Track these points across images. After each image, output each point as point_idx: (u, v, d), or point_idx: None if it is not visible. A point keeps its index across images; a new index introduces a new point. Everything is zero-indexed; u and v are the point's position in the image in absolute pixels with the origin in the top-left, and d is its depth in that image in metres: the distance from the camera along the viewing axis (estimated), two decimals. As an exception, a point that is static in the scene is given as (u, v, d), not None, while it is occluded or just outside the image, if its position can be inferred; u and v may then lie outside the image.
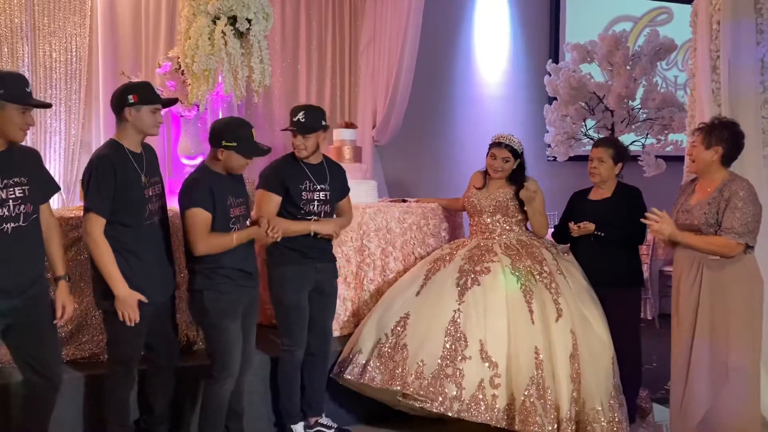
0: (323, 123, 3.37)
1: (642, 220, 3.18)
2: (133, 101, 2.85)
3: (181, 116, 4.55)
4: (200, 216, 2.90)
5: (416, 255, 4.09)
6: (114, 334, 2.96)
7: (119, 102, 2.88)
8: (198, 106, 4.15)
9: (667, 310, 5.29)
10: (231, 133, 2.96)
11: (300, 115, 3.30)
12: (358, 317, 4.01)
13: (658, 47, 6.33)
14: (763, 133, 3.45)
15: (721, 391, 3.12)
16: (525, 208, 3.69)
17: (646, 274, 5.59)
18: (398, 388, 3.27)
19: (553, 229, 3.93)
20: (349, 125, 4.84)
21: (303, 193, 3.34)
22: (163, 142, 4.97)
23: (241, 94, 4.07)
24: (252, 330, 3.18)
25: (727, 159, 3.18)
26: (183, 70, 4.15)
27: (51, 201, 2.95)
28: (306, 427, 3.48)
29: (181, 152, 4.56)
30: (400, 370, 3.28)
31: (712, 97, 3.45)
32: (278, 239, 3.07)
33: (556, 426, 3.14)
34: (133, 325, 2.84)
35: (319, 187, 3.38)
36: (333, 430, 3.52)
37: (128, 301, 2.82)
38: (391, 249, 4.04)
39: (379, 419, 3.67)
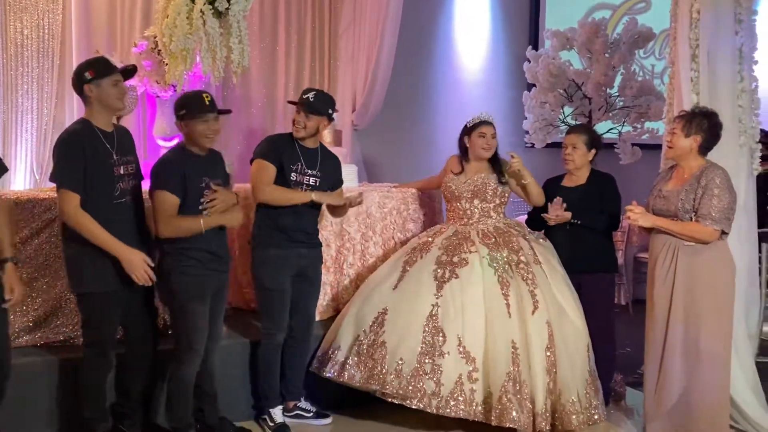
0: (330, 111, 3.37)
1: (625, 211, 3.22)
2: (90, 77, 2.81)
3: (158, 97, 4.48)
4: (167, 200, 2.85)
5: (396, 240, 4.09)
6: (88, 317, 2.92)
7: (78, 81, 2.85)
8: (175, 87, 4.08)
9: (641, 296, 5.38)
10: (181, 103, 2.93)
11: (311, 95, 3.31)
12: (337, 302, 4.01)
13: (636, 35, 6.38)
14: (740, 122, 3.49)
15: (694, 375, 3.18)
16: (524, 181, 3.67)
17: (620, 261, 5.66)
18: (377, 387, 3.25)
19: (526, 216, 3.95)
20: (329, 108, 4.79)
21: (293, 174, 3.31)
22: (138, 123, 4.89)
23: (219, 75, 4.01)
24: (220, 313, 3.15)
25: (705, 148, 3.23)
26: (160, 50, 4.07)
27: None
28: (285, 411, 3.47)
29: (157, 134, 4.49)
30: (379, 368, 3.25)
31: (691, 85, 3.48)
32: (211, 213, 2.97)
33: (530, 419, 3.16)
34: (151, 284, 2.83)
35: (309, 172, 3.35)
36: (312, 413, 3.53)
37: (135, 261, 2.78)
38: (371, 234, 4.03)
39: (359, 403, 3.67)
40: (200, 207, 2.94)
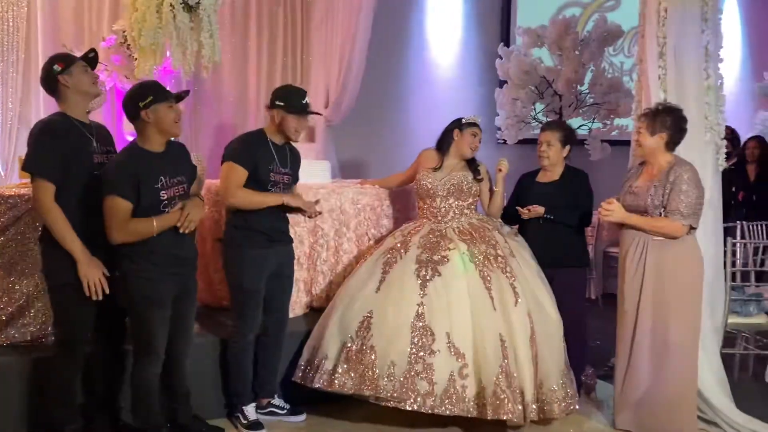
0: None
1: (597, 212, 3.30)
2: (61, 69, 2.81)
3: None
4: (118, 205, 2.74)
5: (370, 236, 4.09)
6: (59, 312, 2.87)
7: (49, 77, 2.83)
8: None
9: (611, 290, 5.47)
10: (142, 93, 2.81)
11: (307, 98, 3.28)
12: (311, 299, 4.00)
13: (605, 33, 6.46)
14: (706, 118, 3.55)
15: (662, 367, 3.25)
16: (495, 188, 3.75)
17: (591, 255, 5.74)
18: (371, 393, 3.20)
19: (501, 211, 3.99)
20: (302, 104, 4.76)
21: (271, 174, 3.26)
22: (107, 119, 4.81)
23: (190, 70, 3.97)
24: (190, 315, 3.09)
25: (672, 144, 3.29)
26: (129, 44, 4.01)
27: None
28: (258, 408, 3.46)
29: (128, 129, 4.42)
30: (370, 373, 3.21)
31: (659, 82, 3.53)
32: (189, 230, 2.91)
33: (521, 410, 3.18)
34: (100, 297, 2.77)
35: (282, 170, 3.32)
36: (286, 411, 3.52)
37: (92, 267, 2.75)
38: (345, 230, 4.02)
39: (333, 399, 3.67)
40: (163, 208, 2.84)
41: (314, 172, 4.37)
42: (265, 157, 3.24)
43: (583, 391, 3.84)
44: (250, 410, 3.39)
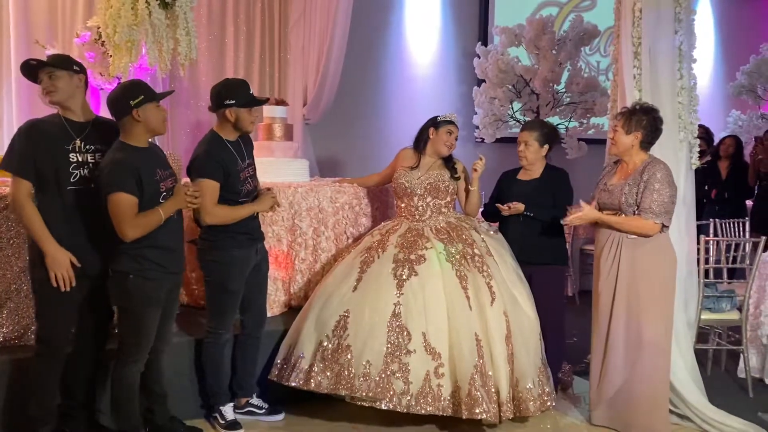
0: None
1: (564, 220, 3.38)
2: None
3: (101, 89, 4.35)
4: (125, 201, 2.74)
5: (348, 234, 4.09)
6: (41, 308, 2.86)
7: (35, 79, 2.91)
8: (120, 79, 3.97)
9: (588, 287, 5.53)
10: (132, 91, 2.83)
11: (251, 90, 3.27)
12: (289, 297, 3.99)
13: (582, 33, 6.53)
14: (680, 118, 3.60)
15: (636, 363, 3.29)
16: (471, 187, 3.74)
17: (568, 253, 5.80)
18: (346, 392, 3.20)
19: (482, 208, 4.01)
20: (280, 102, 4.76)
21: (240, 174, 3.24)
22: (81, 116, 4.73)
23: (166, 68, 3.93)
24: (172, 314, 3.09)
25: (646, 143, 3.34)
26: (104, 41, 3.95)
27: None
28: (236, 408, 3.44)
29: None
30: (346, 373, 3.21)
31: (634, 82, 3.58)
32: (198, 204, 2.98)
33: (497, 408, 3.20)
34: (68, 289, 2.77)
35: (247, 165, 3.31)
36: (264, 410, 3.50)
37: (58, 259, 2.75)
38: (323, 229, 4.01)
39: (311, 398, 3.66)
40: (162, 200, 2.86)
41: (292, 171, 4.35)
42: (231, 161, 3.21)
43: (560, 388, 3.88)
44: (228, 410, 3.37)
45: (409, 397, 3.17)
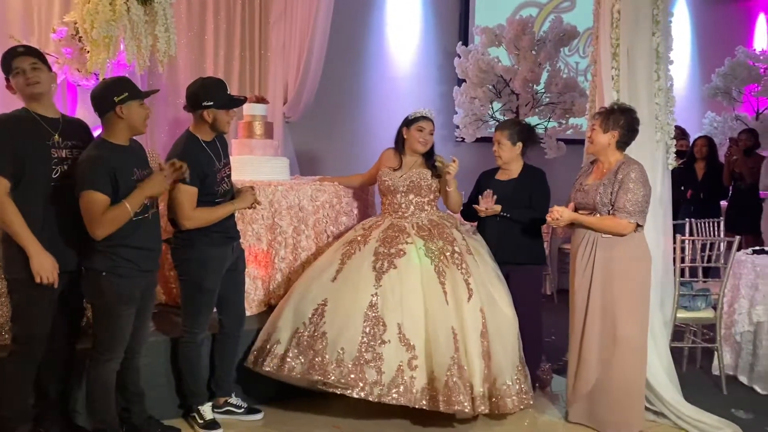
0: None
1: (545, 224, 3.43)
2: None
3: (78, 86, 4.30)
4: (96, 200, 2.71)
5: (329, 233, 4.08)
6: (17, 308, 2.82)
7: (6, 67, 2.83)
8: (97, 75, 3.92)
9: (565, 285, 5.57)
10: (117, 88, 2.80)
11: (228, 89, 3.24)
12: (269, 296, 3.97)
13: (561, 33, 6.58)
14: (657, 118, 3.65)
15: (611, 361, 3.33)
16: (448, 188, 3.74)
17: (546, 252, 5.84)
18: (319, 377, 3.23)
19: (461, 209, 4.03)
20: (260, 100, 4.72)
21: (218, 175, 3.22)
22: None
23: (145, 64, 3.88)
24: (148, 312, 3.07)
25: (623, 143, 3.38)
26: (81, 36, 3.90)
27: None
28: (215, 407, 3.42)
29: (79, 123, 4.30)
30: (319, 359, 3.24)
31: (612, 83, 3.61)
32: (188, 177, 2.95)
33: (470, 403, 3.22)
34: (55, 287, 2.74)
35: (223, 165, 3.28)
36: (243, 410, 3.49)
37: (45, 263, 2.71)
38: (303, 227, 4.00)
39: (290, 397, 3.66)
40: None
41: (272, 169, 4.34)
42: (208, 163, 3.18)
43: (538, 386, 3.91)
44: (207, 410, 3.35)
45: (381, 387, 3.19)
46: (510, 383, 3.34)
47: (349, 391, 3.20)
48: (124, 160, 2.81)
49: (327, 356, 3.24)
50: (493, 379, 3.33)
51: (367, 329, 3.27)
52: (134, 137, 2.96)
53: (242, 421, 3.46)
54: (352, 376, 3.20)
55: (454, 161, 3.70)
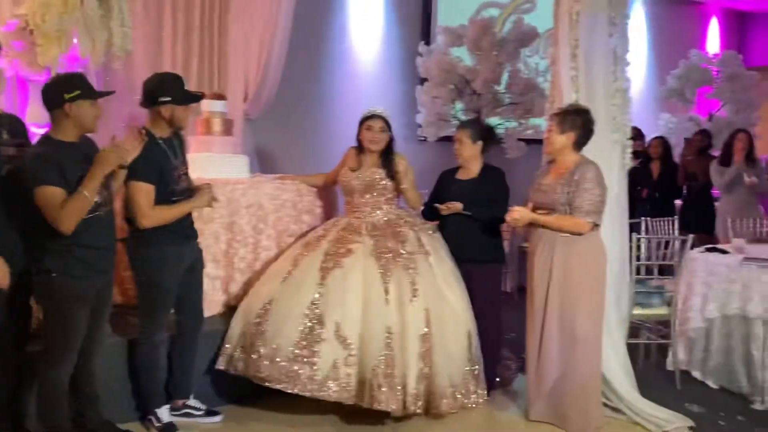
0: None
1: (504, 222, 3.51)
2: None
3: (30, 81, 4.17)
4: (52, 194, 2.64)
5: (290, 233, 4.03)
6: None
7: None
8: (49, 70, 3.81)
9: (526, 283, 5.64)
10: (68, 84, 2.72)
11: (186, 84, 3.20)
12: (228, 296, 3.91)
13: (522, 34, 6.65)
14: (614, 119, 3.71)
15: (570, 358, 3.38)
16: (401, 187, 3.76)
17: (506, 250, 5.90)
18: (254, 373, 3.30)
19: (423, 207, 4.04)
20: (219, 96, 4.65)
21: (174, 173, 3.15)
22: (8, 109, 4.52)
23: (100, 59, 3.80)
24: (104, 314, 3.00)
25: (579, 144, 3.43)
26: (32, 30, 3.78)
27: None
28: (172, 410, 3.36)
29: (31, 120, 4.16)
30: (255, 356, 3.30)
31: (571, 84, 3.66)
32: (125, 163, 2.87)
33: (401, 401, 3.25)
34: (3, 289, 2.65)
35: (180, 161, 3.22)
36: (202, 412, 3.43)
37: None
38: (263, 226, 3.94)
39: (250, 398, 3.63)
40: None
41: (232, 167, 4.27)
42: (164, 160, 3.12)
43: (499, 385, 3.94)
44: (164, 412, 3.29)
45: (315, 383, 3.25)
46: (447, 384, 3.37)
47: (284, 386, 3.25)
48: (71, 157, 2.73)
49: (262, 351, 3.30)
50: (432, 378, 3.35)
51: (306, 326, 3.31)
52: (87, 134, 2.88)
53: (201, 424, 3.41)
54: (290, 372, 3.25)
55: (402, 159, 3.77)
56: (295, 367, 3.25)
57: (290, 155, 6.45)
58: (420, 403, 3.29)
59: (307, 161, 6.09)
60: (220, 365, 3.44)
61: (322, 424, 3.47)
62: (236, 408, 3.58)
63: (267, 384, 3.31)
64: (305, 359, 3.26)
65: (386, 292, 3.40)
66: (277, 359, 3.27)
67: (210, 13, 5.65)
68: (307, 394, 3.25)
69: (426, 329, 3.37)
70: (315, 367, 3.25)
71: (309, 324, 3.32)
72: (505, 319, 4.00)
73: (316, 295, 3.38)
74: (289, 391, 3.25)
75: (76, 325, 2.79)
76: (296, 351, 3.27)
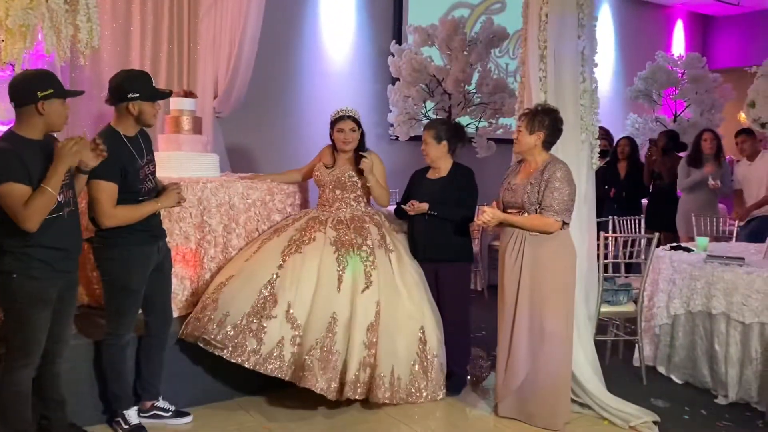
0: None
1: (473, 224, 3.64)
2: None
3: (-7, 76, 4.06)
4: (16, 191, 2.58)
5: (261, 232, 4.01)
6: None
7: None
8: (13, 66, 3.72)
9: (496, 281, 5.70)
10: (42, 82, 2.67)
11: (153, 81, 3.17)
12: (197, 296, 3.86)
13: (492, 35, 6.70)
14: (582, 119, 3.77)
15: (539, 355, 3.42)
16: (367, 183, 3.84)
17: (476, 249, 5.95)
18: (198, 334, 3.42)
19: (395, 206, 4.06)
20: (188, 94, 4.60)
21: (140, 172, 3.10)
22: (-31, 104, 4.41)
23: (65, 55, 3.71)
24: (69, 315, 2.94)
25: (548, 143, 3.47)
26: (-5, 24, 3.69)
27: None
28: (141, 411, 3.31)
29: (-7, 117, 4.08)
30: (206, 319, 3.44)
31: (540, 84, 3.70)
32: (105, 155, 2.83)
33: (338, 386, 3.36)
34: None
35: (146, 162, 3.16)
36: (171, 413, 3.39)
37: None
38: (234, 225, 3.92)
39: (220, 399, 3.60)
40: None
41: (201, 166, 4.24)
42: (129, 159, 3.06)
43: (470, 382, 3.97)
44: (132, 414, 3.24)
45: (257, 357, 3.35)
46: (387, 375, 3.45)
47: (225, 353, 3.36)
48: (36, 153, 2.68)
49: (212, 316, 3.43)
50: (374, 367, 3.43)
51: (259, 302, 3.45)
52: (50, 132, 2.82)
53: (170, 425, 3.37)
54: (235, 341, 3.36)
55: (365, 158, 3.82)
56: (243, 338, 3.36)
57: (261, 153, 6.41)
58: (360, 390, 3.39)
59: (278, 159, 6.07)
60: (184, 332, 3.51)
61: (295, 420, 3.45)
62: (206, 408, 3.54)
63: (212, 350, 3.41)
64: (253, 332, 3.38)
65: (339, 280, 3.53)
66: (226, 325, 3.39)
67: (179, 11, 5.58)
68: (249, 366, 3.35)
69: (374, 320, 3.48)
70: (261, 342, 3.36)
71: (262, 300, 3.45)
72: (475, 317, 4.04)
73: (274, 276, 3.52)
74: (232, 360, 3.35)
75: (37, 328, 2.73)
76: (244, 322, 3.39)
